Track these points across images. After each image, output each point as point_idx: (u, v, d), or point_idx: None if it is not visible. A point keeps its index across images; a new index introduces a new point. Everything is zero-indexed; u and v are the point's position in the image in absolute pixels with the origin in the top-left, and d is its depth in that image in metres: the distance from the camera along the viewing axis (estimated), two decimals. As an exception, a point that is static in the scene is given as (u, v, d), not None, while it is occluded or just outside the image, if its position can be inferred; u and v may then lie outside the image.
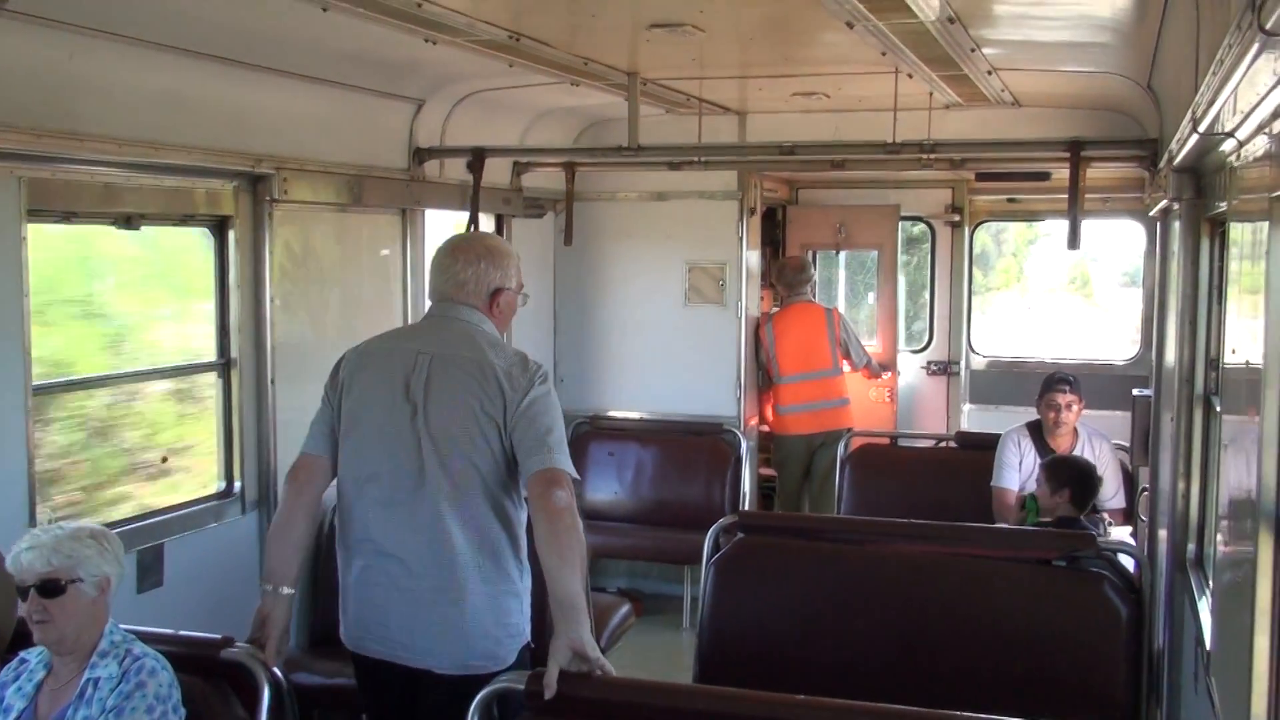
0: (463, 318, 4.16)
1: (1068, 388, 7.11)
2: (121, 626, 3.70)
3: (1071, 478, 6.31)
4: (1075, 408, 7.13)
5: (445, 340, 4.11)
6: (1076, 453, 7.05)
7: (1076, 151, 6.36)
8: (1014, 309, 14.93)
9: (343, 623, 4.16)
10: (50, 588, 3.51)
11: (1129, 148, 6.53)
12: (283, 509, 4.17)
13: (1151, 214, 6.23)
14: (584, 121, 8.48)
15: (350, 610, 4.12)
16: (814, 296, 9.40)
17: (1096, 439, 7.19)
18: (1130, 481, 7.16)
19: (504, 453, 3.96)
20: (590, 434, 8.87)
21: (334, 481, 4.18)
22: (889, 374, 9.77)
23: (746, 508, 8.47)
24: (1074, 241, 6.37)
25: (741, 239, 8.65)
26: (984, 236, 12.43)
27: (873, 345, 9.92)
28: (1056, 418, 7.09)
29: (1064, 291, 14.72)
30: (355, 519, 4.07)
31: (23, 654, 3.72)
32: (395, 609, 4.00)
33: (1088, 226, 6.58)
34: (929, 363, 10.47)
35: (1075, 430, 7.19)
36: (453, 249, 4.29)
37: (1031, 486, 7.03)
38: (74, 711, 3.53)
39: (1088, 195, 6.52)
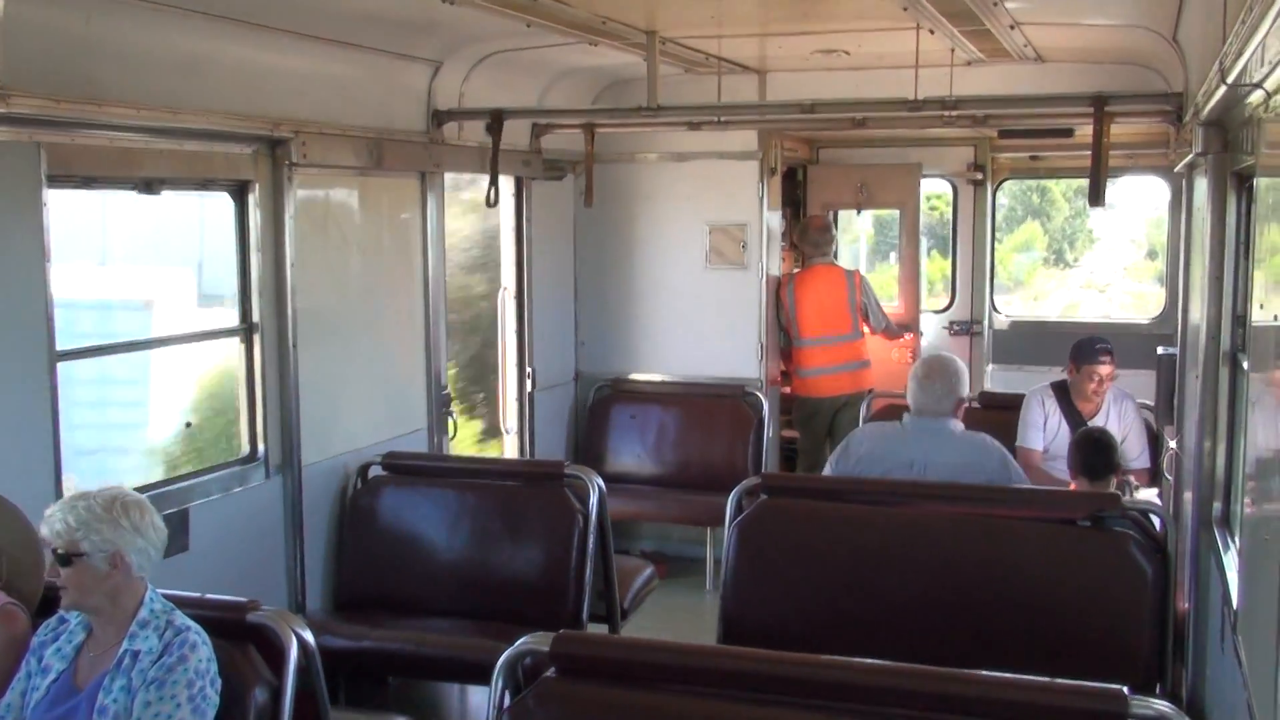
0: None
1: (1109, 357, 6.96)
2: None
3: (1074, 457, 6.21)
4: (1113, 375, 7.04)
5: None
6: (1102, 413, 6.99)
7: (1100, 106, 6.27)
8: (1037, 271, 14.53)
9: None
10: (62, 559, 3.55)
11: (1154, 102, 6.44)
12: None
13: (1176, 169, 6.17)
14: (603, 82, 8.42)
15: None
16: (836, 258, 9.35)
17: (1122, 399, 7.10)
18: (1155, 441, 7.11)
19: None
20: (612, 397, 8.87)
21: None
22: (908, 336, 9.73)
23: (768, 469, 8.47)
24: (1097, 198, 6.30)
25: (762, 199, 8.60)
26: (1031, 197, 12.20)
27: (895, 306, 9.88)
28: (1097, 387, 6.97)
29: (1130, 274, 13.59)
30: None
31: (63, 613, 3.73)
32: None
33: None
34: (951, 323, 10.43)
35: None
36: None
37: (1056, 448, 7.00)
38: (111, 681, 3.53)
39: (1112, 152, 6.45)
